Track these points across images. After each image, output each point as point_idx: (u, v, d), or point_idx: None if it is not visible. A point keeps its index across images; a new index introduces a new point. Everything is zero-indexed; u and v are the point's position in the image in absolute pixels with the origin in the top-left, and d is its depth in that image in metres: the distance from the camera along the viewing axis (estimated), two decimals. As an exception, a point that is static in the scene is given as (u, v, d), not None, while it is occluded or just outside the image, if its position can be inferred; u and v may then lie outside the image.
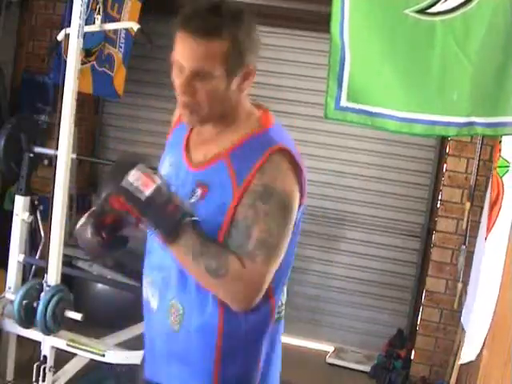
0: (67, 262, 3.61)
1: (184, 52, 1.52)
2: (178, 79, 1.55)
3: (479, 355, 2.82)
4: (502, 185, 2.74)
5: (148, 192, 1.46)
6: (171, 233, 1.49)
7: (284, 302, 1.74)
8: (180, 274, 1.60)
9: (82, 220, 1.55)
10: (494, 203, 2.79)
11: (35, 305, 2.83)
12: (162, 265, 1.64)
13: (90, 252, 1.60)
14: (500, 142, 2.83)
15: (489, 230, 2.82)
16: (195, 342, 1.62)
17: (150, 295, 1.70)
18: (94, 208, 1.55)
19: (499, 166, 2.81)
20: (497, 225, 2.70)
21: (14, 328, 3.06)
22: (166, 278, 1.64)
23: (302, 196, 1.59)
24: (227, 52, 1.51)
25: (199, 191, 1.56)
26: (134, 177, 1.48)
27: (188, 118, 1.61)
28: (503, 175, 2.76)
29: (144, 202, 1.46)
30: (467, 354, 2.67)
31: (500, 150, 2.81)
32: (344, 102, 2.44)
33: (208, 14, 1.51)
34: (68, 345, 2.95)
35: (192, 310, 1.60)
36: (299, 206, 1.59)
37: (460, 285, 3.78)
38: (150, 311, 1.71)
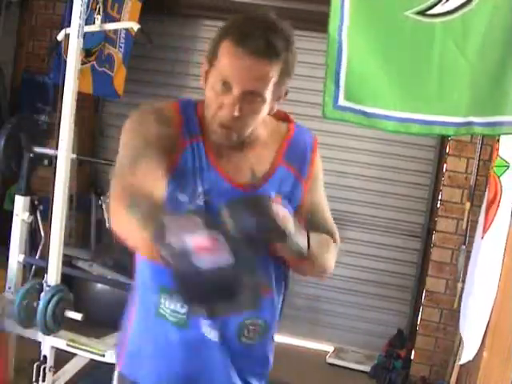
0: (67, 261, 3.61)
1: (240, 71, 1.44)
2: (222, 96, 1.46)
3: (478, 355, 2.82)
4: (500, 185, 2.74)
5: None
6: (302, 255, 1.50)
7: (181, 312, 1.57)
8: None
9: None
10: (491, 203, 2.79)
11: (35, 305, 2.83)
12: None
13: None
14: (498, 140, 2.83)
15: (485, 229, 2.82)
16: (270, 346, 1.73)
17: (207, 327, 1.57)
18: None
19: (497, 166, 2.81)
20: (494, 224, 2.70)
21: (14, 328, 3.06)
22: None
23: None
24: (280, 75, 1.48)
25: (277, 199, 1.47)
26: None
27: (226, 138, 1.51)
28: (501, 175, 2.76)
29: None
30: (465, 354, 2.67)
31: (497, 150, 2.82)
32: (342, 102, 2.45)
33: (267, 34, 1.44)
34: (68, 345, 2.96)
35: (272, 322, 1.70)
36: None
37: (460, 285, 3.78)
38: (206, 344, 1.58)
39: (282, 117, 1.69)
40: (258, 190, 1.55)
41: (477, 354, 2.81)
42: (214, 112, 1.49)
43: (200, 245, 1.11)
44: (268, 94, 1.48)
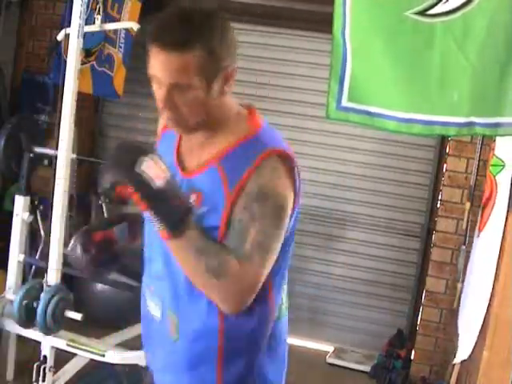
0: (67, 262, 3.61)
1: (159, 66, 1.49)
2: (157, 93, 1.53)
3: (478, 355, 2.82)
4: (496, 183, 2.74)
5: (159, 183, 1.42)
6: (177, 226, 1.45)
7: (285, 301, 1.73)
8: (172, 282, 1.60)
9: (72, 241, 1.56)
10: (487, 202, 2.79)
11: (35, 305, 2.83)
12: (163, 273, 1.63)
13: (82, 270, 1.58)
14: (494, 140, 2.84)
15: (481, 228, 2.82)
16: (196, 348, 1.61)
17: (153, 305, 1.68)
18: (82, 228, 1.56)
19: (493, 165, 2.81)
20: (490, 223, 2.71)
21: (14, 328, 3.06)
22: (166, 286, 1.63)
23: (296, 196, 1.58)
24: (202, 61, 1.48)
25: (193, 198, 1.54)
26: (147, 165, 1.42)
27: (176, 130, 1.62)
28: (497, 174, 2.76)
29: (154, 192, 1.42)
30: (460, 352, 2.68)
31: (493, 149, 2.82)
32: (345, 103, 2.45)
33: (178, 26, 1.49)
34: (68, 345, 2.96)
35: (187, 318, 1.60)
36: (294, 206, 1.59)
37: (460, 285, 3.78)
38: (153, 321, 1.70)
39: (249, 117, 1.64)
40: (187, 178, 1.60)
41: (477, 354, 2.81)
42: (160, 109, 1.56)
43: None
44: (196, 81, 1.49)
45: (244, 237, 1.50)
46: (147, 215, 1.49)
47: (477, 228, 3.03)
